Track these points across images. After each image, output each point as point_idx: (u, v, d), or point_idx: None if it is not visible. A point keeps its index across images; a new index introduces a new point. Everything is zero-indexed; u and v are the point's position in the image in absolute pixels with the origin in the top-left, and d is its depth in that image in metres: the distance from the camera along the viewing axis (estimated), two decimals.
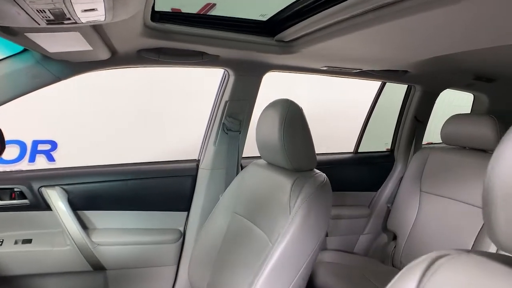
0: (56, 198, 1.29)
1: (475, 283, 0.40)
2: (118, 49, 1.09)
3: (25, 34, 0.75)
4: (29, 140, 3.19)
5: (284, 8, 1.08)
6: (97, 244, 1.35)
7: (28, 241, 1.30)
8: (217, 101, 1.48)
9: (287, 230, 0.98)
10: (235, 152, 1.50)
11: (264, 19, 1.14)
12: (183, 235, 1.52)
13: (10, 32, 0.75)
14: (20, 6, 0.53)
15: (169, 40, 1.06)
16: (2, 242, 1.27)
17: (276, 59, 1.28)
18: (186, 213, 1.53)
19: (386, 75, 1.60)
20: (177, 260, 1.51)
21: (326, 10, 0.86)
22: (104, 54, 1.08)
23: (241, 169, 1.54)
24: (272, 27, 1.13)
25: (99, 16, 0.63)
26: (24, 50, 1.09)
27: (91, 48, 0.95)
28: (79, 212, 1.37)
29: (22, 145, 3.20)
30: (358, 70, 1.49)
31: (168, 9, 1.07)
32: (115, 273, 1.42)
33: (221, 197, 1.35)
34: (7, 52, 1.09)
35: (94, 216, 1.40)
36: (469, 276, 0.41)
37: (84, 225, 1.36)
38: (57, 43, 0.90)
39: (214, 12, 2.88)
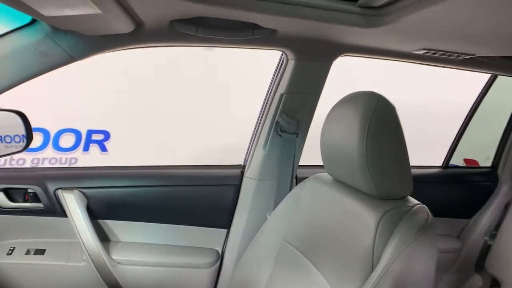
0: (73, 203, 1.08)
1: None
2: (143, 18, 0.82)
3: None
4: (84, 129, 3.20)
5: None
6: (117, 263, 1.11)
7: (41, 251, 1.10)
8: (270, 94, 1.17)
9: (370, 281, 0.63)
10: (289, 159, 1.17)
11: None
12: (220, 257, 1.24)
13: None
14: None
15: (211, 4, 0.76)
16: (13, 250, 1.09)
17: (355, 36, 0.92)
18: (225, 231, 1.25)
19: (506, 66, 1.16)
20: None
21: None
22: (125, 26, 0.82)
23: (297, 182, 1.21)
24: None
25: None
26: (32, 22, 0.88)
27: (99, 12, 0.68)
28: (99, 221, 1.14)
29: (77, 134, 3.19)
30: (468, 57, 1.06)
31: None
32: None
33: (269, 216, 1.04)
34: (13, 24, 0.88)
35: (115, 227, 1.17)
36: None
37: (103, 237, 1.14)
38: (55, 5, 0.65)
39: None
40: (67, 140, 3.16)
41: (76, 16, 0.71)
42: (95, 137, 3.27)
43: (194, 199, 1.20)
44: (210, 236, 1.23)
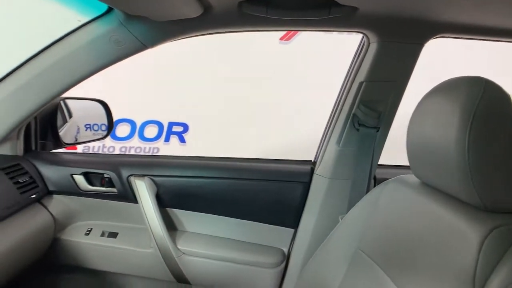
0: (144, 190, 1.10)
1: None
2: (212, 1, 0.78)
3: None
4: (166, 121, 3.39)
5: None
6: (182, 253, 1.11)
7: (114, 235, 1.15)
8: (347, 82, 1.04)
9: None
10: (367, 157, 1.04)
11: None
12: (286, 258, 1.16)
13: None
14: None
15: None
16: (90, 231, 1.15)
17: (455, 11, 0.76)
18: (292, 230, 1.16)
19: None
20: None
21: None
22: (194, 9, 0.78)
23: (375, 184, 1.07)
24: None
25: None
26: (107, 12, 0.89)
27: None
28: (167, 209, 1.15)
29: (160, 125, 3.40)
30: None
31: None
32: None
33: (341, 219, 0.93)
34: (91, 15, 0.91)
35: (182, 217, 1.17)
36: None
37: (170, 226, 1.14)
38: None
39: None
40: (150, 131, 3.39)
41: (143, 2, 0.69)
42: (175, 129, 3.45)
43: (261, 194, 1.13)
44: (276, 235, 1.16)
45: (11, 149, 1.08)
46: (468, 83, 0.58)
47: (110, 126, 1.36)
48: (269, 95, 3.13)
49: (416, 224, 0.67)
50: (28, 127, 1.12)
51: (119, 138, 3.30)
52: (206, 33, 0.92)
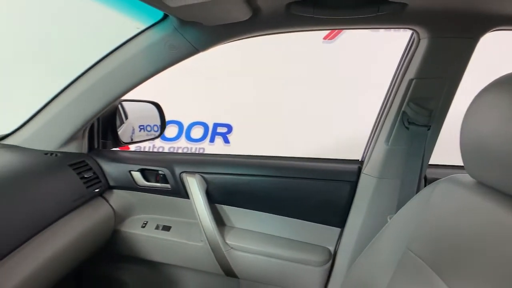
0: (195, 186, 1.16)
1: None
2: (260, 4, 0.81)
3: None
4: (211, 122, 3.51)
5: None
6: (230, 247, 1.15)
7: (167, 228, 1.22)
8: (396, 79, 1.02)
9: None
10: (418, 156, 1.01)
11: None
12: (333, 257, 1.16)
13: None
14: None
15: None
16: (146, 224, 1.24)
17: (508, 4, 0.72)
18: (339, 230, 1.16)
19: None
20: (323, 287, 1.16)
21: None
22: (243, 13, 0.82)
23: (426, 184, 1.04)
24: None
25: None
26: (162, 19, 0.96)
27: None
28: (216, 205, 1.20)
29: (205, 126, 3.52)
30: None
31: None
32: (248, 285, 1.20)
33: (389, 219, 0.91)
34: (147, 22, 0.98)
35: (231, 213, 1.21)
36: None
37: (219, 221, 1.19)
38: None
39: None
40: (196, 132, 3.52)
41: (198, 5, 0.74)
42: (219, 130, 3.55)
43: (307, 192, 1.15)
44: (322, 234, 1.17)
45: (77, 147, 1.18)
46: None
47: (163, 126, 1.44)
48: (312, 95, 3.13)
49: (471, 224, 0.65)
50: (91, 127, 1.23)
51: (168, 139, 3.47)
52: (255, 35, 0.96)
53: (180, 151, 3.41)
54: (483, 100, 0.62)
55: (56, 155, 1.12)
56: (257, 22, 0.89)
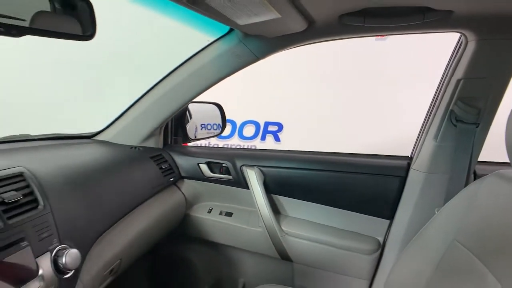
0: (254, 177, 1.30)
1: None
2: (315, 17, 0.92)
3: (219, 10, 0.70)
4: (262, 121, 3.66)
5: None
6: (285, 233, 1.28)
7: (229, 214, 1.38)
8: (444, 79, 1.08)
9: None
10: (467, 152, 1.06)
11: None
12: (382, 247, 1.24)
13: (210, 12, 0.73)
14: None
15: None
16: (211, 210, 1.41)
17: None
18: (388, 221, 1.24)
19: None
20: (372, 275, 1.25)
21: None
22: (300, 25, 0.94)
23: (475, 179, 1.08)
24: None
25: None
26: (229, 32, 1.11)
27: (279, 16, 0.82)
28: (272, 195, 1.34)
29: (256, 125, 3.69)
30: None
31: None
32: (301, 268, 1.32)
33: (437, 211, 0.98)
34: (215, 35, 1.14)
35: (286, 203, 1.34)
36: None
37: (275, 210, 1.33)
38: (248, 16, 0.83)
39: None
40: (248, 130, 3.69)
41: (262, 22, 0.87)
42: (270, 128, 3.70)
43: (358, 186, 1.24)
44: (371, 225, 1.25)
45: (155, 142, 1.39)
46: None
47: (224, 125, 1.61)
48: (363, 92, 3.15)
49: (505, 211, 0.71)
50: (166, 126, 1.43)
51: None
52: (309, 43, 1.07)
53: None
54: None
55: (139, 149, 1.33)
56: (312, 32, 1.01)
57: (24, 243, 0.69)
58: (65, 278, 0.74)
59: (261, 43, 1.07)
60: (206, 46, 1.17)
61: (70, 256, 0.74)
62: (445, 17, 0.86)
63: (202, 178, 1.38)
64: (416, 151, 1.18)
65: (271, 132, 3.66)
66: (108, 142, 1.36)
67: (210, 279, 1.48)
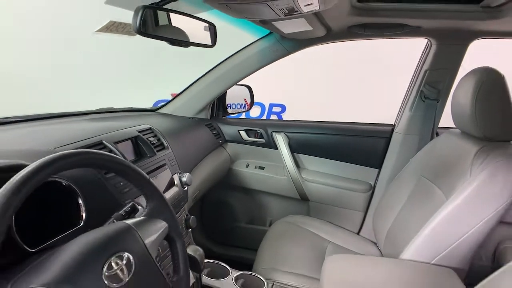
0: (281, 140, 1.79)
1: None
2: (332, 27, 1.39)
3: (272, 22, 1.16)
4: (267, 102, 4.12)
5: None
6: (304, 180, 1.78)
7: (262, 168, 1.88)
8: (417, 69, 1.57)
9: (463, 190, 1.03)
10: (430, 120, 1.56)
11: None
12: (373, 188, 1.75)
13: (264, 22, 1.18)
14: (270, 7, 0.90)
15: (373, 16, 1.27)
16: (248, 165, 1.90)
17: (483, 26, 1.25)
18: (377, 170, 1.74)
19: None
20: (366, 208, 1.76)
21: None
22: (321, 32, 1.41)
23: None
24: None
25: (315, 6, 0.94)
26: (269, 33, 1.57)
27: (311, 28, 1.29)
28: (294, 154, 1.83)
29: (262, 106, 4.15)
30: None
31: None
32: (315, 205, 1.83)
33: (411, 160, 1.48)
34: (259, 35, 1.60)
35: (304, 158, 1.83)
36: None
37: (297, 164, 1.82)
38: (289, 27, 1.29)
39: None
40: (255, 111, 4.12)
41: (298, 32, 1.34)
42: (274, 109, 4.16)
43: (356, 145, 1.73)
44: (366, 173, 1.75)
45: (205, 115, 1.85)
46: (481, 70, 1.10)
47: (252, 103, 2.07)
48: (355, 78, 3.60)
49: (452, 153, 1.22)
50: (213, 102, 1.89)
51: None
52: (325, 43, 1.55)
53: None
54: (460, 83, 1.17)
55: (194, 119, 1.80)
56: (328, 37, 1.48)
57: (166, 167, 1.17)
58: (184, 189, 1.23)
59: (293, 42, 1.54)
60: (251, 44, 1.63)
61: (188, 177, 1.22)
62: (416, 30, 1.35)
63: (241, 141, 1.87)
64: (398, 120, 1.68)
65: (275, 113, 4.13)
66: (170, 114, 1.82)
67: (245, 217, 1.99)
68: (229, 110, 2.06)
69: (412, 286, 0.94)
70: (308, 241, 1.51)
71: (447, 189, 1.13)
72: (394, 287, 0.95)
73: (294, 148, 1.82)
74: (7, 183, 0.48)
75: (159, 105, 1.87)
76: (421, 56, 1.56)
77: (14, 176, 0.49)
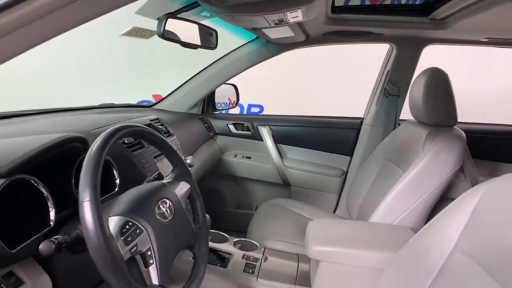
0: (266, 133, 2.02)
1: None
2: (310, 33, 1.64)
3: (262, 30, 1.39)
4: (246, 103, 4.35)
5: None
6: (287, 167, 2.02)
7: (249, 157, 2.10)
8: (382, 70, 1.85)
9: (416, 165, 1.29)
10: (393, 113, 1.84)
11: (420, 2, 1.43)
12: (345, 173, 2.01)
13: (255, 29, 1.41)
14: (265, 18, 1.13)
15: (345, 25, 1.53)
16: (236, 155, 2.11)
17: (432, 34, 1.54)
18: (349, 157, 2.01)
19: None
20: (340, 190, 2.02)
21: None
22: (301, 38, 1.65)
23: (395, 127, 1.87)
24: (426, 8, 1.41)
25: (299, 18, 1.18)
26: (256, 38, 1.80)
27: (293, 34, 1.53)
28: (277, 144, 2.06)
29: (241, 106, 4.37)
30: None
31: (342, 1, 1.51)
32: (296, 189, 2.07)
33: (377, 147, 1.75)
34: (247, 39, 1.83)
35: (286, 148, 2.07)
36: None
37: (280, 153, 2.06)
38: (275, 33, 1.53)
39: None
40: (234, 110, 4.31)
41: (283, 37, 1.58)
42: (253, 109, 4.40)
43: (331, 136, 1.99)
44: (340, 160, 2.02)
45: (197, 110, 2.05)
46: (430, 69, 1.37)
47: (237, 100, 2.29)
48: (326, 80, 3.91)
49: (409, 138, 1.49)
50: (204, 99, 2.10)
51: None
52: (304, 47, 1.79)
53: None
54: (415, 80, 1.44)
55: (187, 114, 1.99)
56: (307, 41, 1.73)
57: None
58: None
59: (277, 46, 1.77)
60: (239, 47, 1.85)
61: (191, 159, 1.42)
62: (379, 36, 1.62)
63: (230, 134, 2.08)
64: (366, 113, 1.96)
65: (253, 113, 4.37)
66: (164, 110, 2.00)
67: (234, 203, 2.20)
68: (217, 106, 2.27)
69: (377, 239, 1.19)
70: (291, 219, 1.75)
71: (405, 167, 1.40)
72: (364, 239, 1.19)
73: (277, 139, 2.05)
74: (96, 140, 0.68)
75: (152, 102, 2.06)
76: (385, 59, 1.84)
77: (99, 137, 0.69)
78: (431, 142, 1.31)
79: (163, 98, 2.05)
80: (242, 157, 2.10)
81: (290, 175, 2.03)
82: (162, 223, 0.77)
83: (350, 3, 1.46)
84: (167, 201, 0.81)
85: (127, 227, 0.70)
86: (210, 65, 1.92)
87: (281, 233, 1.58)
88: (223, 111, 2.26)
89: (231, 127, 2.07)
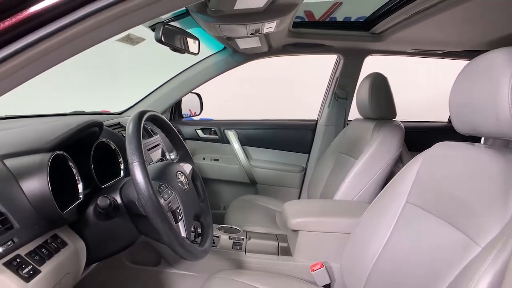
0: (232, 136, 2.20)
1: None
2: (273, 45, 1.88)
3: (236, 39, 1.60)
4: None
5: (376, 10, 1.68)
6: (253, 166, 2.21)
7: (217, 160, 2.25)
8: (331, 77, 2.17)
9: (367, 151, 1.57)
10: (342, 114, 2.15)
11: (362, 19, 1.76)
12: (305, 169, 2.26)
13: (229, 39, 1.61)
14: (246, 28, 1.33)
15: (302, 38, 1.80)
16: (205, 158, 2.25)
17: (372, 46, 1.88)
18: (307, 154, 2.26)
19: (469, 55, 1.98)
20: (300, 184, 2.26)
21: (403, 7, 1.32)
22: (265, 48, 1.89)
23: (344, 126, 2.18)
24: (367, 24, 1.74)
25: (271, 29, 1.40)
26: (223, 49, 2.00)
27: (260, 45, 1.76)
28: (243, 146, 2.25)
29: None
30: (441, 51, 1.94)
31: (301, 12, 1.76)
32: (261, 186, 2.27)
33: (331, 143, 2.02)
34: (215, 50, 2.02)
35: (251, 149, 2.27)
36: None
37: (246, 154, 2.24)
38: (245, 43, 1.74)
39: (339, 10, 3.53)
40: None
41: (250, 47, 1.80)
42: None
43: (290, 136, 2.24)
44: (299, 157, 2.26)
45: (166, 117, 2.16)
46: (373, 74, 1.68)
47: (201, 109, 2.45)
48: (283, 93, 4.20)
49: (358, 132, 1.78)
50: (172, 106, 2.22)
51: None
52: (267, 57, 2.03)
53: None
54: (361, 84, 1.76)
55: None
56: (270, 52, 1.97)
57: (159, 146, 1.49)
58: None
59: (242, 56, 1.99)
60: (207, 57, 2.03)
61: (174, 154, 1.55)
62: (330, 48, 1.93)
63: (198, 138, 2.22)
64: (320, 115, 2.25)
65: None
66: None
67: None
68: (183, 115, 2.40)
69: (343, 210, 1.44)
70: (261, 211, 1.93)
71: (358, 155, 1.68)
72: (333, 210, 1.43)
73: (243, 142, 2.24)
74: (129, 120, 0.82)
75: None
76: (333, 67, 2.16)
77: (130, 118, 0.83)
78: (377, 131, 1.60)
79: (132, 106, 2.13)
80: (211, 160, 2.25)
81: (256, 174, 2.22)
82: (183, 189, 0.92)
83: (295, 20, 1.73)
84: (182, 174, 0.96)
85: (162, 188, 0.83)
86: (178, 74, 2.07)
87: (255, 222, 1.75)
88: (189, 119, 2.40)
89: (199, 132, 2.22)
